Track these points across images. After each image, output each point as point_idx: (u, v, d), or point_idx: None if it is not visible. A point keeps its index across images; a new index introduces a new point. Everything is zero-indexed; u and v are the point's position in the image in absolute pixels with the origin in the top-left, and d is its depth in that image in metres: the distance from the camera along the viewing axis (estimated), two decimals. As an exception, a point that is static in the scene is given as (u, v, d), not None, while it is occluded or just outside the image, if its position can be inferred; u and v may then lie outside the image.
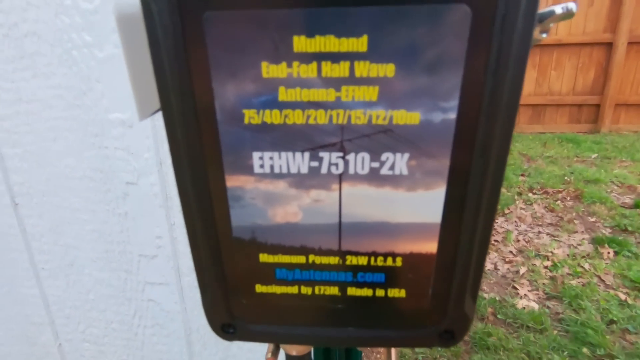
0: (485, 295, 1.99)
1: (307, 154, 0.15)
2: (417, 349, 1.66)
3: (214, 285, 0.18)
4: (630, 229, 2.61)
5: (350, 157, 0.15)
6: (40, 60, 0.58)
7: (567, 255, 2.41)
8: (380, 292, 0.17)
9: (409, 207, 0.15)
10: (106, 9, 0.54)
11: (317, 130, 0.15)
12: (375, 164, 0.15)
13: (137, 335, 0.75)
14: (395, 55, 0.13)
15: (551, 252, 2.43)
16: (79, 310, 0.75)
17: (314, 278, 0.18)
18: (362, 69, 0.14)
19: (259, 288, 0.18)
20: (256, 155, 0.16)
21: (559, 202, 3.17)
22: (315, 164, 0.16)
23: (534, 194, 3.32)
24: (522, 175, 3.76)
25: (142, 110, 0.16)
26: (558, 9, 0.16)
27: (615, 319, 1.80)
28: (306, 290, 0.18)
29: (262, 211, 0.17)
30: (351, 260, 0.17)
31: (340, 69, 0.14)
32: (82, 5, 0.54)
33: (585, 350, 1.60)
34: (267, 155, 0.15)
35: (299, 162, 0.15)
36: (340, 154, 0.15)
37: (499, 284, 2.12)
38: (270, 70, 0.14)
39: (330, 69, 0.14)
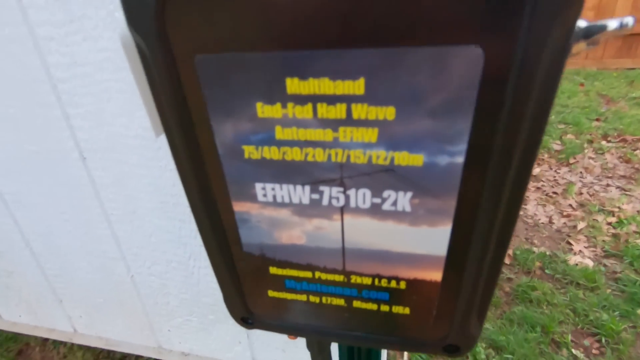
0: (535, 249, 1.92)
1: (307, 187, 0.15)
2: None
3: (231, 288, 0.20)
4: None
5: (351, 192, 0.14)
6: (88, 23, 0.60)
7: (638, 212, 2.20)
8: (384, 308, 0.18)
9: (412, 240, 0.15)
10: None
11: (316, 166, 0.14)
12: (377, 200, 0.15)
13: (193, 275, 0.85)
14: (396, 99, 0.12)
15: (618, 207, 2.23)
16: (144, 250, 0.86)
17: (320, 290, 0.18)
18: (360, 111, 0.12)
19: (271, 293, 0.20)
20: (258, 185, 0.16)
21: (638, 151, 2.82)
22: (316, 196, 0.15)
23: (609, 141, 2.97)
24: (597, 119, 3.35)
25: (156, 128, 0.16)
26: (612, 24, 0.12)
27: (681, 284, 1.67)
28: (314, 299, 0.19)
29: (269, 233, 0.17)
30: (355, 279, 0.17)
31: (337, 111, 0.12)
32: (118, -36, 0.53)
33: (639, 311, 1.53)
34: (268, 186, 0.15)
35: (300, 194, 0.15)
36: (341, 189, 0.14)
37: (552, 238, 2.03)
38: (265, 110, 0.13)
39: (326, 111, 0.13)
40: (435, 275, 0.16)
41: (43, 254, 0.97)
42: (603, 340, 1.44)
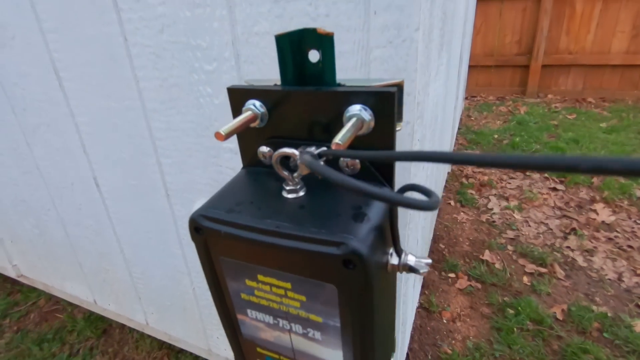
0: (595, 307, 1.78)
1: (271, 317, 0.27)
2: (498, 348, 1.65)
3: (238, 355, 0.33)
4: None
5: (292, 325, 0.27)
6: (180, 103, 0.80)
7: None
8: None
9: (324, 352, 0.26)
10: (221, 70, 0.71)
11: (275, 310, 0.27)
12: (305, 331, 0.27)
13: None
14: (305, 294, 0.24)
15: None
16: (205, 270, 1.05)
17: (284, 367, 0.31)
18: (290, 294, 0.25)
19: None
20: (248, 311, 0.29)
21: None
22: (276, 322, 0.28)
23: None
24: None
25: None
26: (412, 261, 0.23)
27: None
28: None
29: (255, 331, 0.30)
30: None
31: (281, 292, 0.25)
32: (205, 67, 0.72)
33: None
34: (252, 312, 0.28)
35: (268, 319, 0.28)
36: (287, 322, 0.27)
37: (619, 298, 1.85)
38: (249, 283, 0.26)
39: (277, 290, 0.25)
40: None
41: (132, 259, 1.23)
42: (661, 423, 1.31)
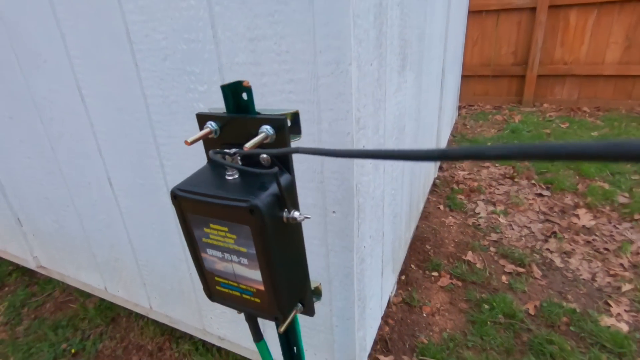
0: (566, 304, 1.90)
1: (219, 252, 0.45)
2: (471, 339, 1.77)
3: (204, 283, 0.50)
4: None
5: (232, 256, 0.44)
6: (179, 116, 0.98)
7: (702, 281, 2.02)
8: (250, 297, 0.47)
9: (250, 272, 0.44)
10: (211, 90, 0.89)
11: (222, 247, 0.44)
12: (238, 260, 0.44)
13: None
14: (236, 234, 0.42)
15: (680, 274, 2.07)
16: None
17: (231, 289, 0.48)
18: (229, 236, 0.43)
19: (217, 287, 0.50)
20: (207, 250, 0.46)
21: None
22: (223, 255, 0.45)
23: (693, 199, 2.69)
24: (684, 173, 3.03)
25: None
26: (296, 215, 0.41)
27: None
28: (231, 292, 0.49)
29: (212, 264, 0.47)
30: (240, 286, 0.46)
31: (226, 234, 0.43)
32: (199, 88, 0.90)
33: (664, 386, 1.47)
34: (210, 251, 0.46)
35: (218, 254, 0.45)
36: (229, 254, 0.45)
37: (590, 296, 1.97)
38: (206, 229, 0.44)
39: (219, 232, 0.43)
40: (262, 288, 0.44)
41: (138, 249, 1.41)
42: (613, 406, 1.43)
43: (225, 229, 0.44)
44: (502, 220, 2.66)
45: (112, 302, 1.93)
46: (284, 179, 0.46)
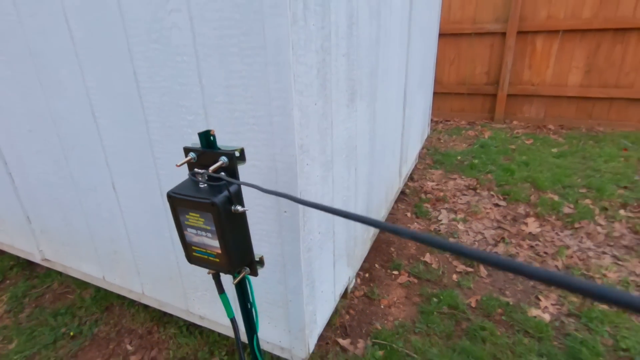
0: (502, 298, 2.21)
1: (195, 229, 0.75)
2: (417, 326, 2.07)
3: (185, 252, 0.79)
4: None
5: (202, 232, 0.74)
6: (173, 137, 1.27)
7: (620, 280, 2.35)
8: (213, 259, 0.76)
9: (211, 241, 0.73)
10: (197, 120, 1.19)
11: (195, 226, 0.74)
12: (206, 234, 0.74)
13: (209, 266, 1.47)
14: (204, 218, 0.72)
15: (604, 274, 2.40)
16: (186, 248, 1.51)
17: (201, 254, 0.78)
18: (199, 219, 0.72)
19: (194, 253, 0.79)
20: (188, 229, 0.76)
21: (652, 224, 2.87)
22: (196, 232, 0.75)
23: (626, 210, 3.04)
24: (625, 187, 3.39)
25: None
26: (239, 209, 0.71)
27: (626, 347, 1.86)
28: (202, 256, 0.78)
29: (191, 239, 0.76)
30: (206, 250, 0.76)
31: (200, 218, 0.73)
32: (188, 117, 1.20)
33: (570, 363, 1.77)
34: (189, 229, 0.75)
35: (195, 231, 0.75)
36: (203, 232, 0.74)
37: (525, 292, 2.28)
38: (187, 216, 0.74)
39: (195, 218, 0.73)
40: (220, 251, 0.74)
41: (134, 243, 1.68)
42: (525, 378, 1.72)
43: (197, 215, 0.73)
44: (460, 226, 2.98)
45: (107, 291, 2.19)
46: (233, 187, 0.75)
